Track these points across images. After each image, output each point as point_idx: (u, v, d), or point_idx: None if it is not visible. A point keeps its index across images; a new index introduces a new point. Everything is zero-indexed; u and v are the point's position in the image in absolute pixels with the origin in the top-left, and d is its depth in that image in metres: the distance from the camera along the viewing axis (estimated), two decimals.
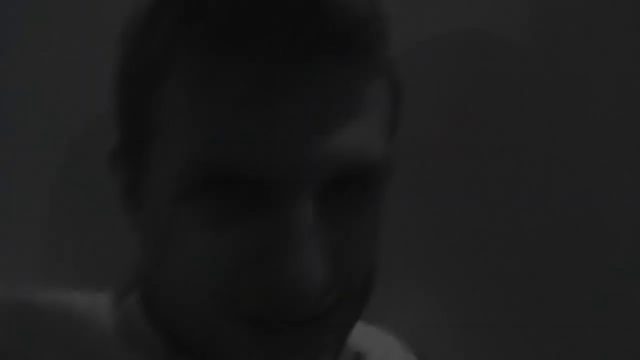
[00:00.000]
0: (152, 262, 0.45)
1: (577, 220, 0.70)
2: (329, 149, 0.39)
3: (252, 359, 0.41)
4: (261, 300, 0.39)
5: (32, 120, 0.67)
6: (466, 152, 0.73)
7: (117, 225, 0.57)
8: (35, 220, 0.64)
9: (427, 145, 0.74)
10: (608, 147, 0.72)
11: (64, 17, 0.69)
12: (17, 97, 0.67)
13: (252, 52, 0.38)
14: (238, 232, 0.39)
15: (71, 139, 0.66)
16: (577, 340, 0.70)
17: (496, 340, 0.71)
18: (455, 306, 0.72)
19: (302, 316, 0.40)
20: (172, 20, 0.41)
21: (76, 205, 0.64)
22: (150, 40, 0.42)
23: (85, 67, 0.65)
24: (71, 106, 0.67)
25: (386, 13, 0.45)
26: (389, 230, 0.73)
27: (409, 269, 0.73)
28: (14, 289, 0.49)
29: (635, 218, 0.70)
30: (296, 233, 0.38)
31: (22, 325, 0.46)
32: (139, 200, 0.45)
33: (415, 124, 0.73)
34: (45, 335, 0.46)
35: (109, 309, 0.49)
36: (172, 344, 0.47)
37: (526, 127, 0.73)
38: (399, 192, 0.72)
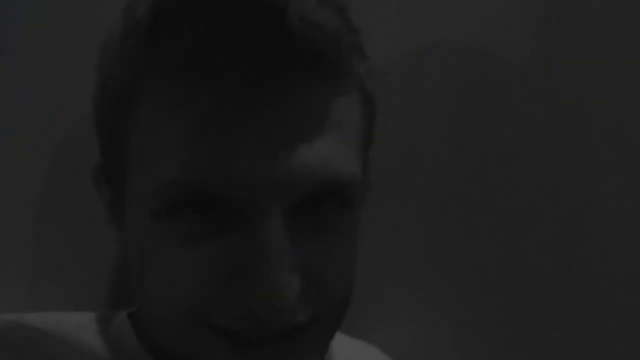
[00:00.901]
0: (135, 277, 0.45)
1: (576, 227, 0.69)
2: (299, 168, 0.39)
3: None
4: (236, 316, 0.40)
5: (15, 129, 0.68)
6: (460, 159, 0.72)
7: (104, 243, 0.59)
8: (19, 239, 0.65)
9: (422, 150, 0.73)
10: (609, 159, 0.70)
11: (60, 17, 0.69)
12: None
13: (220, 74, 0.38)
14: (213, 249, 0.40)
15: (56, 150, 0.67)
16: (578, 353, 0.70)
17: (490, 355, 0.71)
18: (449, 319, 0.72)
19: (276, 332, 0.40)
20: (140, 44, 0.41)
21: (62, 222, 0.65)
22: (121, 65, 0.43)
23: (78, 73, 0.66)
24: (56, 120, 0.68)
25: (359, 26, 0.45)
26: (382, 238, 0.73)
27: (401, 280, 0.73)
28: (2, 312, 0.50)
29: (634, 222, 0.68)
30: (268, 251, 0.38)
31: (12, 347, 0.46)
32: (120, 217, 0.46)
33: (407, 134, 0.73)
34: (37, 356, 0.46)
35: (98, 328, 0.50)
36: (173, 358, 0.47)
37: (520, 138, 0.72)
38: (394, 199, 0.72)
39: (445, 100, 0.72)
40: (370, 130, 0.47)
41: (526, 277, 0.71)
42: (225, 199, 0.39)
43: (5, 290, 0.63)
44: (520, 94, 0.71)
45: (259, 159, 0.38)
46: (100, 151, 0.48)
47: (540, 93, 0.71)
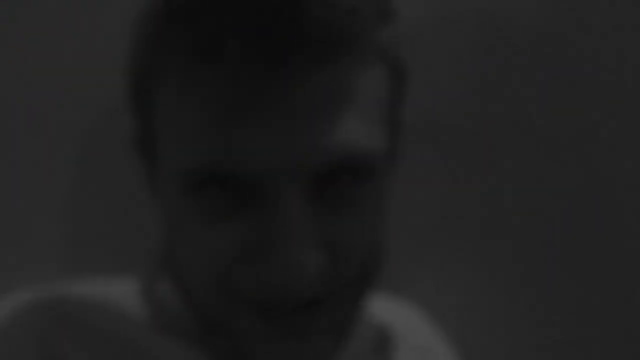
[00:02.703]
0: (168, 246, 0.47)
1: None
2: (317, 143, 0.39)
3: (261, 339, 0.43)
4: (260, 287, 0.41)
5: (43, 114, 0.69)
6: (493, 126, 0.72)
7: (137, 213, 0.60)
8: (53, 213, 0.67)
9: (457, 117, 0.73)
10: (626, 126, 0.70)
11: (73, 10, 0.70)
12: (25, 92, 0.69)
13: (236, 55, 0.39)
14: (237, 225, 0.41)
15: (86, 129, 0.68)
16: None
17: (533, 315, 0.71)
18: (492, 281, 0.72)
19: (297, 303, 0.41)
20: (159, 27, 0.42)
21: (95, 195, 0.66)
22: (143, 46, 0.44)
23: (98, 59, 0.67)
24: (86, 97, 0.69)
25: None
26: (426, 206, 0.73)
27: (441, 243, 0.73)
28: (47, 284, 0.51)
29: None
30: (289, 227, 0.39)
31: (62, 319, 0.47)
32: (155, 187, 0.48)
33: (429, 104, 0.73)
34: (84, 326, 0.47)
35: (142, 293, 0.51)
36: (206, 326, 0.48)
37: (539, 107, 0.72)
38: (423, 168, 0.73)
39: (462, 74, 0.72)
40: (398, 97, 0.47)
41: (560, 237, 0.71)
42: (247, 177, 0.40)
43: (43, 254, 0.65)
44: (542, 68, 0.71)
45: (277, 136, 0.39)
46: (135, 122, 0.49)
47: (561, 66, 0.70)
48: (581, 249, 0.71)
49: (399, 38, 0.46)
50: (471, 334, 0.73)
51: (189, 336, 0.49)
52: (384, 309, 0.61)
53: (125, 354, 0.47)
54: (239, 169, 0.40)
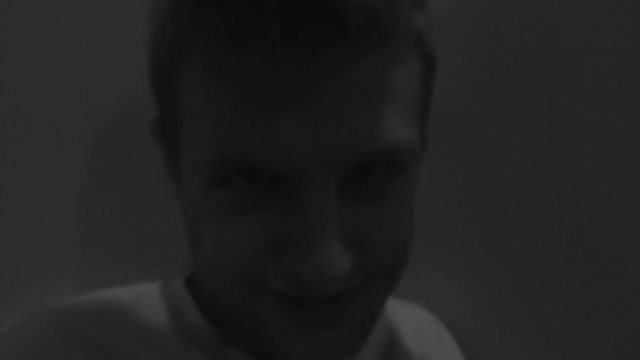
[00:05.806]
0: (191, 237, 0.45)
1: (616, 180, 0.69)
2: (347, 137, 0.38)
3: (286, 333, 0.42)
4: (287, 282, 0.40)
5: (55, 116, 0.66)
6: (497, 120, 0.72)
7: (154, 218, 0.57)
8: (67, 219, 0.64)
9: (460, 117, 0.73)
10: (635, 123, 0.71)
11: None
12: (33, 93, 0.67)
13: (265, 45, 0.37)
14: (265, 218, 0.40)
15: (99, 129, 0.66)
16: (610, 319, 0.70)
17: (541, 316, 0.71)
18: (500, 282, 0.72)
19: (324, 298, 0.40)
20: (187, 13, 0.40)
21: (109, 197, 0.64)
22: (169, 31, 0.42)
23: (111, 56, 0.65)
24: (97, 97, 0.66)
25: None
26: (432, 205, 0.73)
27: (443, 242, 0.73)
28: (60, 295, 0.49)
29: None
30: (318, 223, 0.38)
31: (77, 335, 0.45)
32: (177, 174, 0.46)
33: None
34: (99, 341, 0.45)
35: (156, 297, 0.50)
36: (221, 328, 0.48)
37: (551, 88, 0.72)
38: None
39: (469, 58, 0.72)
40: (429, 88, 0.46)
41: (569, 237, 0.71)
42: (279, 169, 0.39)
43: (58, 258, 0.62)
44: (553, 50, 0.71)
45: (312, 129, 0.38)
46: (157, 106, 0.47)
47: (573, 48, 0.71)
48: (589, 249, 0.71)
49: (432, 25, 0.45)
50: (478, 335, 0.72)
51: (208, 347, 0.48)
52: (394, 310, 0.61)
53: None
54: (272, 161, 0.38)
